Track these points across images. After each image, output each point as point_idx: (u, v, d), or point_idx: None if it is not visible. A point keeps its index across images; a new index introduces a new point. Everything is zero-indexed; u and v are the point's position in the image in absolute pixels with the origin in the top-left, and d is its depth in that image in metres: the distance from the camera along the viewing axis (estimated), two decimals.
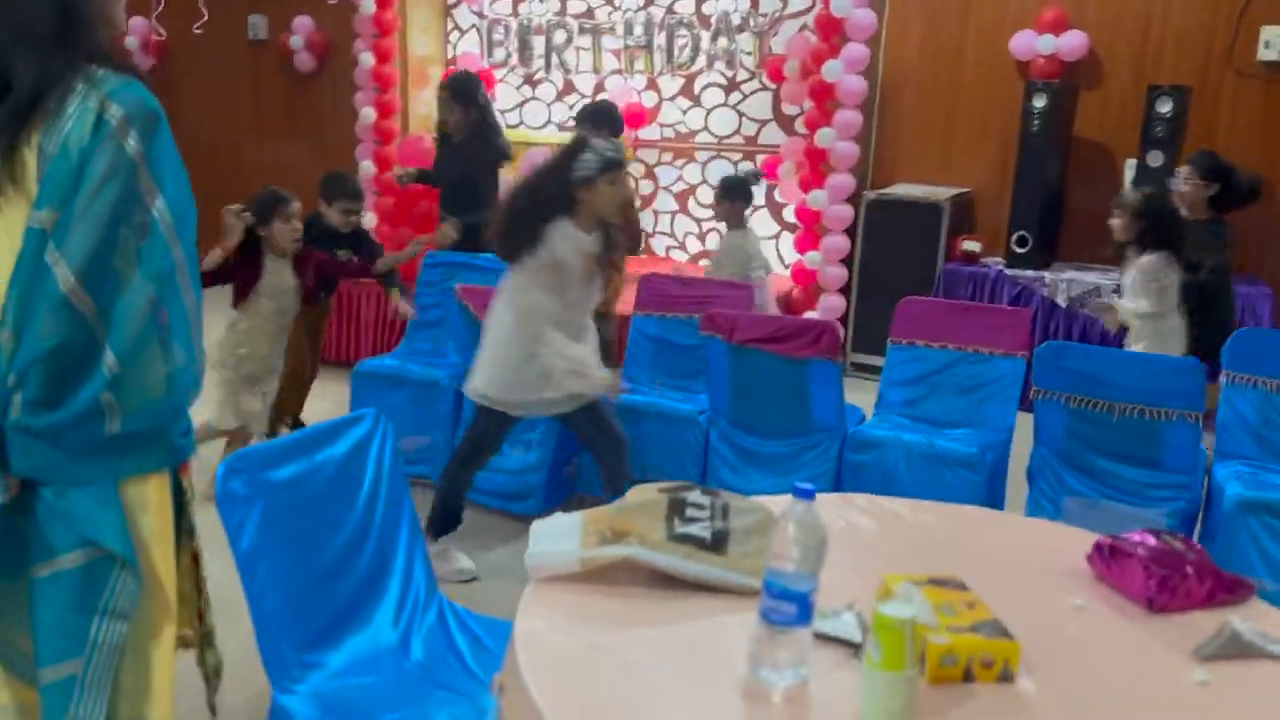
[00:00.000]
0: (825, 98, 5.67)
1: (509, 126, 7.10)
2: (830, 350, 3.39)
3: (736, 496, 1.87)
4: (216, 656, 1.87)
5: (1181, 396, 3.03)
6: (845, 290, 5.95)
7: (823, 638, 1.51)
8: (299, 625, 1.82)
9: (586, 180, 2.94)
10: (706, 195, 6.70)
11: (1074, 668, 1.53)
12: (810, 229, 5.93)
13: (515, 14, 6.93)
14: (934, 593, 1.60)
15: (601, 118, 4.26)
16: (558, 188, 2.95)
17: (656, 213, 6.86)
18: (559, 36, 6.74)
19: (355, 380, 4.05)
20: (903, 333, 3.87)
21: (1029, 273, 5.44)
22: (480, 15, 7.01)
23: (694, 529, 1.74)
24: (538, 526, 1.73)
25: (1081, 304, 5.26)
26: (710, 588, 1.68)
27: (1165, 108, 5.10)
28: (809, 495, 1.43)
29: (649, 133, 6.73)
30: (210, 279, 3.39)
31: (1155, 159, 5.15)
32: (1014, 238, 5.53)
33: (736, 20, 6.29)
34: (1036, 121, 5.37)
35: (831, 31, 5.58)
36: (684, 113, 6.65)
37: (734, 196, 4.77)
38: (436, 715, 1.74)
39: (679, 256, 6.85)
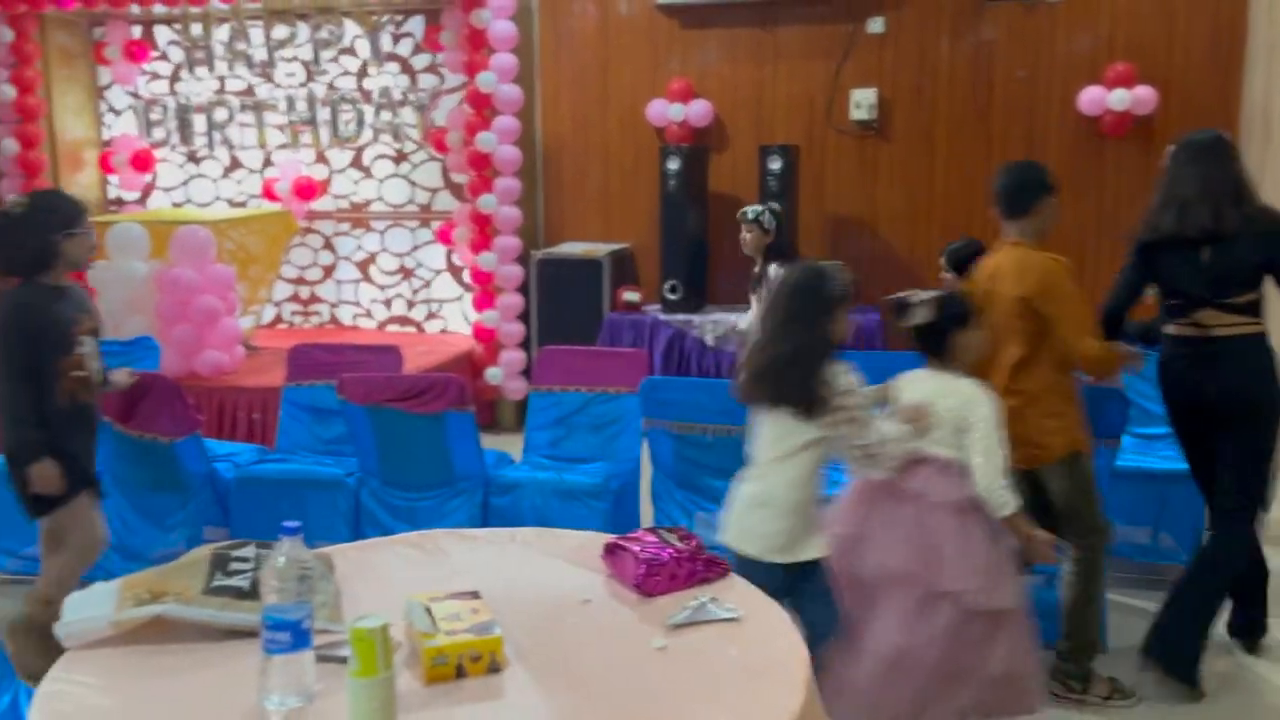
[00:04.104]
0: (484, 167, 6.00)
1: (174, 205, 6.95)
2: (459, 401, 3.62)
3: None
4: None
5: None
6: (525, 344, 6.25)
7: (330, 660, 1.69)
8: None
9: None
10: (388, 263, 6.84)
11: (560, 651, 1.80)
12: (486, 289, 6.21)
13: (173, 93, 6.81)
14: (447, 605, 1.83)
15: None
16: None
17: (340, 282, 6.92)
18: (220, 114, 6.69)
19: None
20: (542, 380, 4.18)
21: (681, 317, 5.97)
22: (135, 96, 6.84)
23: (234, 580, 1.88)
24: (73, 598, 1.81)
25: (725, 342, 5.83)
26: (251, 633, 1.81)
27: (775, 164, 5.80)
28: (294, 532, 1.62)
29: (323, 204, 6.81)
30: None
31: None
32: (666, 286, 6.06)
33: (398, 95, 6.52)
34: (673, 181, 5.94)
35: (482, 105, 5.92)
36: (356, 184, 6.78)
37: None
38: None
39: (367, 325, 6.93)
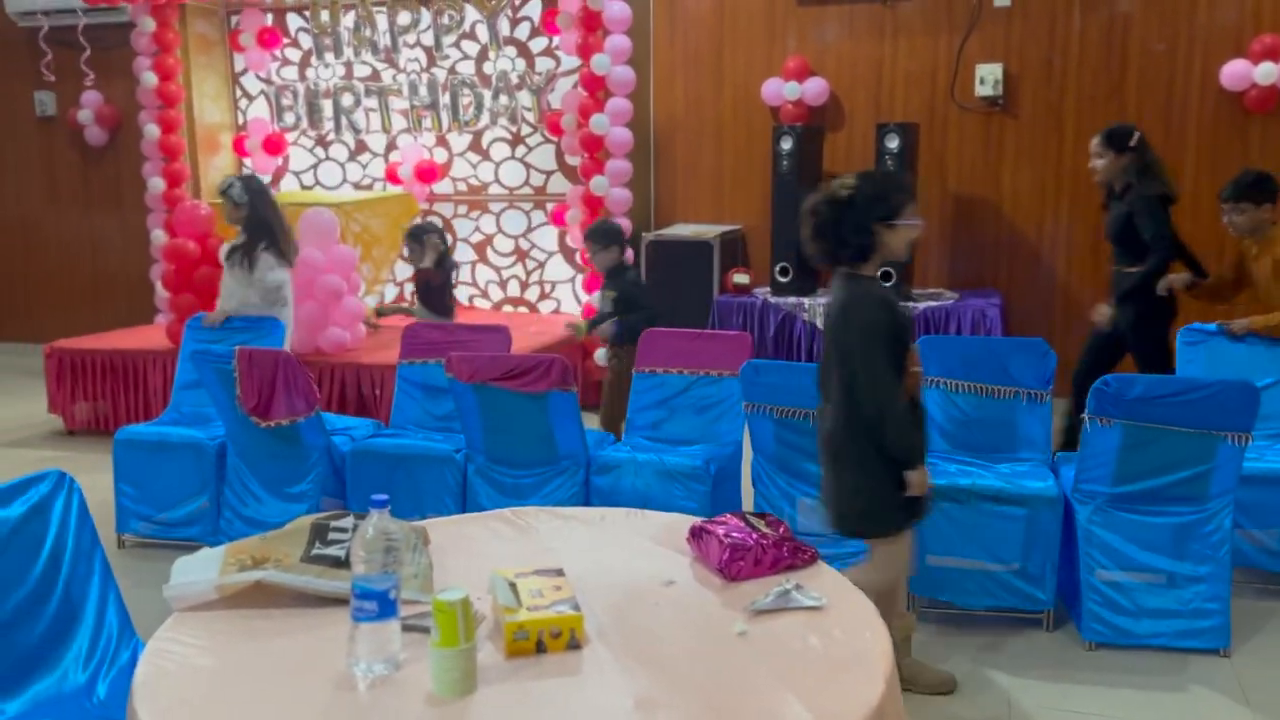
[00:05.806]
0: (596, 148, 6.04)
1: (303, 188, 7.24)
2: (562, 381, 3.66)
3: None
4: None
5: None
6: None
7: (416, 629, 1.74)
8: None
9: None
10: (503, 244, 6.98)
11: (640, 631, 1.81)
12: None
13: (302, 79, 7.10)
14: (531, 581, 1.86)
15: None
16: None
17: (458, 263, 7.08)
18: (347, 99, 6.93)
19: (117, 448, 4.10)
20: (646, 362, 4.19)
21: (791, 300, 5.89)
22: (267, 82, 7.15)
23: (331, 550, 1.95)
24: (181, 562, 1.92)
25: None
26: (346, 600, 1.89)
27: (893, 143, 5.65)
28: (383, 505, 1.67)
29: (442, 187, 6.98)
30: None
31: None
32: (776, 269, 5.99)
33: (515, 79, 6.62)
34: (785, 162, 5.86)
35: (596, 87, 5.95)
36: (474, 167, 6.93)
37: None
38: None
39: (482, 305, 7.09)
